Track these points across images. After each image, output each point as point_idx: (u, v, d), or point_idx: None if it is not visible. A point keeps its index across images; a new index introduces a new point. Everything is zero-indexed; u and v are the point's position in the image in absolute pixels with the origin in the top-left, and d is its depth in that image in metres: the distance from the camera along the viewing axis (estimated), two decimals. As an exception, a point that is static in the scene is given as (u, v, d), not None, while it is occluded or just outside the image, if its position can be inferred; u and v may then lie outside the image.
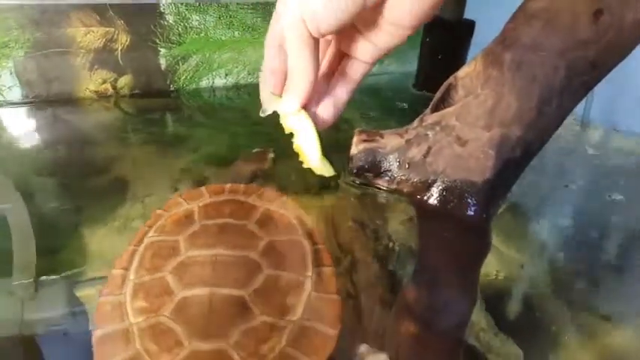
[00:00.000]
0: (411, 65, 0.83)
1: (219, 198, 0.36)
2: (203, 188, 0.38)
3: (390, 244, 0.39)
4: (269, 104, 0.38)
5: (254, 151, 0.52)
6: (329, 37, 0.38)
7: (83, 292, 0.36)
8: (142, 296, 0.28)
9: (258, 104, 0.41)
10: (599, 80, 0.38)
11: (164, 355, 0.24)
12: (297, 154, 0.39)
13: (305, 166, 0.39)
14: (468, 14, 0.73)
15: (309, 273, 0.29)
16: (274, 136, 0.51)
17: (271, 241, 0.31)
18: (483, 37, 0.37)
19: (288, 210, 0.35)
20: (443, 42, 0.74)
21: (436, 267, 0.38)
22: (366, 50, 0.37)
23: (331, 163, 0.39)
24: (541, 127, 0.38)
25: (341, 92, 0.39)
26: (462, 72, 0.41)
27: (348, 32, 0.37)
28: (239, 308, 0.27)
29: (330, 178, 0.40)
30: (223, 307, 0.27)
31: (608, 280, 0.39)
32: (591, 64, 0.37)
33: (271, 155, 0.49)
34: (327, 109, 0.39)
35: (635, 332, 0.34)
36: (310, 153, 0.37)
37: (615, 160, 0.59)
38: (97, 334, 0.27)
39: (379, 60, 0.38)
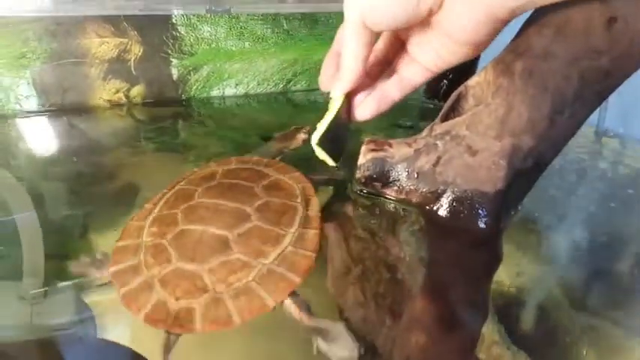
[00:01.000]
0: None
1: (241, 165, 0.44)
2: (233, 158, 0.46)
3: (401, 254, 0.39)
4: (322, 84, 0.41)
5: (291, 129, 0.53)
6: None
7: (92, 298, 0.36)
8: (156, 224, 0.36)
9: (267, 113, 0.42)
10: (613, 89, 0.38)
11: (156, 267, 0.32)
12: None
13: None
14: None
15: (293, 230, 0.35)
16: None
17: (268, 201, 0.38)
18: (494, 45, 0.37)
19: (295, 181, 0.41)
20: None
21: (446, 279, 0.37)
22: (428, 56, 0.38)
23: (332, 154, 0.40)
24: (553, 137, 0.37)
25: (392, 91, 0.40)
26: (472, 81, 0.40)
27: (414, 31, 0.38)
28: (221, 245, 0.33)
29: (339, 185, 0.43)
30: (209, 242, 0.33)
31: (621, 290, 0.38)
32: (605, 73, 0.36)
33: (303, 135, 0.50)
34: (368, 105, 0.40)
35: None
36: (315, 134, 0.39)
37: (629, 170, 0.58)
38: (118, 244, 0.36)
39: (442, 71, 0.39)
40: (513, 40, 0.38)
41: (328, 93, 0.40)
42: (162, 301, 0.30)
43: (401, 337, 0.32)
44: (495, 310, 0.34)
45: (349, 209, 0.44)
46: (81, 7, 0.54)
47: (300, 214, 0.37)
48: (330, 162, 0.40)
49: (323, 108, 0.41)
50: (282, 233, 0.34)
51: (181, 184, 0.42)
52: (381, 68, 0.41)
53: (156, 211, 0.38)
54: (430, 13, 0.34)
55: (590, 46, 0.35)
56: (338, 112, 0.39)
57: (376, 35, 0.37)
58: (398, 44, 0.40)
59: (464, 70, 0.54)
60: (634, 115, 0.65)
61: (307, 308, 0.31)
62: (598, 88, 0.37)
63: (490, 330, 0.32)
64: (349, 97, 0.40)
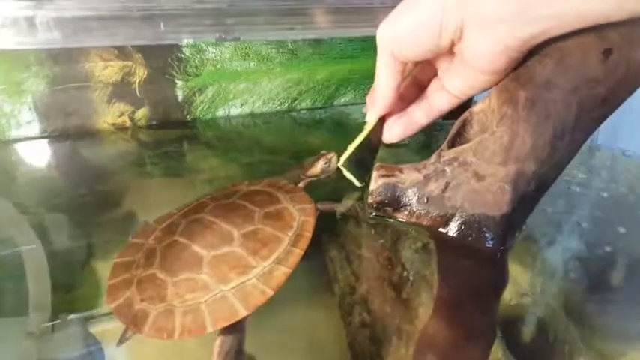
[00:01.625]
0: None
1: (264, 188, 0.45)
2: (265, 180, 0.48)
3: (405, 273, 0.40)
4: (367, 107, 0.44)
5: (317, 155, 0.52)
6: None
7: (99, 329, 0.36)
8: (164, 229, 0.40)
9: (273, 133, 0.43)
10: (609, 114, 0.40)
11: (141, 268, 0.36)
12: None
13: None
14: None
15: (265, 263, 0.36)
16: (289, 165, 0.52)
17: (259, 229, 0.39)
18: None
19: (300, 214, 0.41)
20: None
21: (456, 300, 0.39)
22: (455, 83, 0.41)
23: (357, 175, 0.44)
24: (554, 161, 0.39)
25: (420, 116, 0.43)
26: (477, 107, 0.42)
27: (444, 62, 0.41)
28: (195, 262, 0.35)
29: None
30: (186, 257, 0.35)
31: (621, 306, 0.40)
32: (602, 100, 0.38)
33: (322, 164, 0.48)
34: (396, 129, 0.43)
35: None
36: (344, 155, 0.43)
37: (623, 184, 0.60)
38: (132, 240, 0.40)
39: (468, 98, 0.42)
40: (515, 69, 0.40)
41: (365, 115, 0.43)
42: (130, 298, 0.34)
43: (415, 358, 0.33)
44: (498, 327, 0.35)
45: (360, 231, 0.46)
46: (90, 39, 0.54)
47: (281, 248, 0.37)
48: (357, 182, 0.44)
49: (328, 125, 0.43)
50: (254, 264, 0.35)
51: (208, 196, 0.44)
52: (415, 91, 0.44)
53: (174, 217, 0.41)
54: (452, 44, 0.37)
55: (588, 75, 0.37)
56: (368, 135, 0.42)
57: (407, 65, 0.40)
58: (432, 71, 0.43)
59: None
60: (625, 129, 0.67)
61: (232, 348, 0.33)
62: (595, 114, 0.39)
63: (495, 346, 0.34)
64: (383, 121, 0.43)
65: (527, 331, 0.36)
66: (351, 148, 0.43)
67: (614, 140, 0.68)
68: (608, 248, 0.45)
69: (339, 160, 0.46)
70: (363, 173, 0.45)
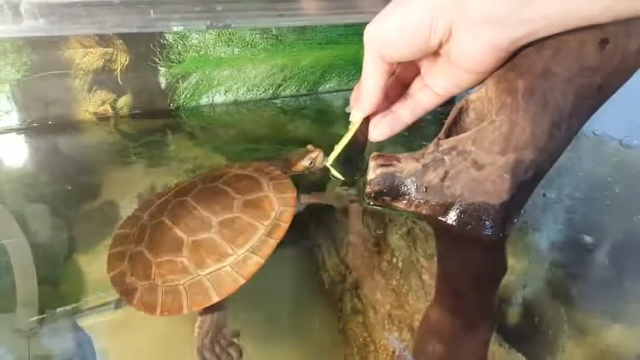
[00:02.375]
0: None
1: (251, 173, 0.45)
2: (255, 163, 0.48)
3: (393, 259, 0.40)
4: (350, 107, 0.44)
5: (304, 148, 0.51)
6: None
7: (87, 322, 0.36)
8: (158, 206, 0.42)
9: (258, 121, 0.43)
10: (603, 102, 0.40)
11: (133, 243, 0.39)
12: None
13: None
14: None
15: (240, 252, 0.37)
16: (276, 156, 0.52)
17: (236, 217, 0.39)
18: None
19: (280, 203, 0.41)
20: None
21: (458, 288, 0.39)
22: (440, 82, 0.41)
23: (345, 173, 0.45)
24: (551, 149, 0.40)
25: (404, 114, 0.43)
26: (473, 96, 0.42)
27: (429, 61, 0.41)
28: (176, 246, 0.37)
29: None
30: (169, 239, 0.37)
31: (609, 284, 0.41)
32: (598, 88, 0.39)
33: (305, 163, 0.48)
34: (382, 127, 0.43)
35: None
36: (332, 154, 0.43)
37: (608, 167, 0.62)
38: (134, 212, 0.43)
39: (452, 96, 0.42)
40: (512, 58, 0.40)
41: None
42: (123, 271, 0.37)
43: (418, 346, 0.34)
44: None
45: (347, 219, 0.47)
46: (77, 26, 0.52)
47: (256, 238, 0.38)
48: (342, 178, 0.44)
49: (312, 113, 0.43)
50: (230, 253, 0.37)
51: (199, 177, 0.45)
52: (399, 91, 0.44)
53: (168, 195, 0.43)
54: (440, 45, 0.37)
55: (585, 65, 0.37)
56: (354, 134, 0.42)
57: (393, 65, 0.40)
58: (415, 70, 0.43)
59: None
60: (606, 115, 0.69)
61: (211, 328, 0.35)
62: (591, 103, 0.40)
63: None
64: (368, 120, 0.43)
65: (516, 315, 0.37)
66: (338, 148, 0.43)
67: (597, 125, 0.69)
68: (597, 228, 0.47)
69: (324, 158, 0.46)
70: (351, 171, 0.46)
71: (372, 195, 0.43)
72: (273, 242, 0.38)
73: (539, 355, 0.34)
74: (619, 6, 0.32)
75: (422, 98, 0.43)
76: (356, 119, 0.43)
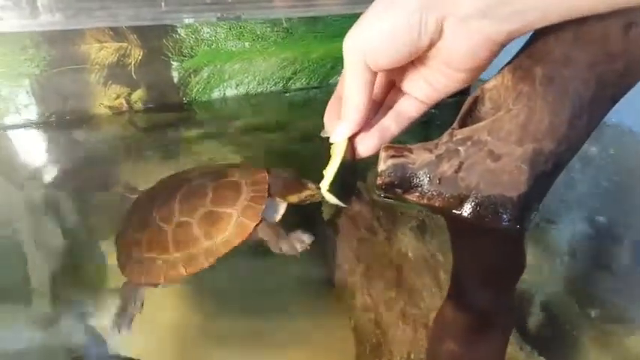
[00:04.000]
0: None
1: (234, 177, 0.45)
2: (249, 166, 0.49)
3: (404, 252, 0.39)
4: (327, 128, 0.41)
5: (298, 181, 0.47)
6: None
7: (101, 315, 0.36)
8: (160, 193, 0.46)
9: (268, 114, 0.42)
10: (626, 91, 0.39)
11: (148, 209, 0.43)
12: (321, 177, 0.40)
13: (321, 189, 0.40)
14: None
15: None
16: (287, 149, 0.51)
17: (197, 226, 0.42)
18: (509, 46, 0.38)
19: (235, 225, 0.42)
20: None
21: (473, 285, 0.38)
22: (422, 89, 0.39)
23: (342, 196, 0.41)
24: (572, 139, 0.38)
25: (390, 126, 0.41)
26: (489, 85, 0.41)
27: (406, 69, 0.39)
28: (158, 232, 0.41)
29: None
30: (151, 226, 0.41)
31: (632, 287, 0.39)
32: (620, 75, 0.37)
33: (303, 197, 0.45)
34: (369, 141, 0.41)
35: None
36: (324, 181, 0.40)
37: (633, 159, 0.59)
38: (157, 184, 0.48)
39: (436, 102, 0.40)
40: (528, 45, 0.39)
41: (328, 139, 0.40)
42: (131, 240, 0.42)
43: (431, 346, 0.33)
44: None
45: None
46: (91, 19, 0.53)
47: (196, 250, 0.40)
48: (342, 204, 0.41)
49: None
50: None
51: (196, 171, 0.47)
52: (375, 107, 0.42)
53: (168, 181, 0.48)
54: (430, 45, 0.35)
55: (608, 50, 0.36)
56: (344, 156, 0.39)
57: (376, 75, 0.37)
58: (388, 84, 0.42)
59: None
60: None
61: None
62: (612, 91, 0.38)
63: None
64: (350, 139, 0.40)
65: (536, 317, 0.36)
66: (330, 173, 0.40)
67: (614, 114, 0.67)
68: (616, 230, 0.45)
69: (319, 188, 0.42)
70: (347, 193, 0.43)
71: (383, 187, 0.42)
72: (202, 263, 0.40)
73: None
74: None
75: (404, 108, 0.41)
76: (340, 139, 0.39)
